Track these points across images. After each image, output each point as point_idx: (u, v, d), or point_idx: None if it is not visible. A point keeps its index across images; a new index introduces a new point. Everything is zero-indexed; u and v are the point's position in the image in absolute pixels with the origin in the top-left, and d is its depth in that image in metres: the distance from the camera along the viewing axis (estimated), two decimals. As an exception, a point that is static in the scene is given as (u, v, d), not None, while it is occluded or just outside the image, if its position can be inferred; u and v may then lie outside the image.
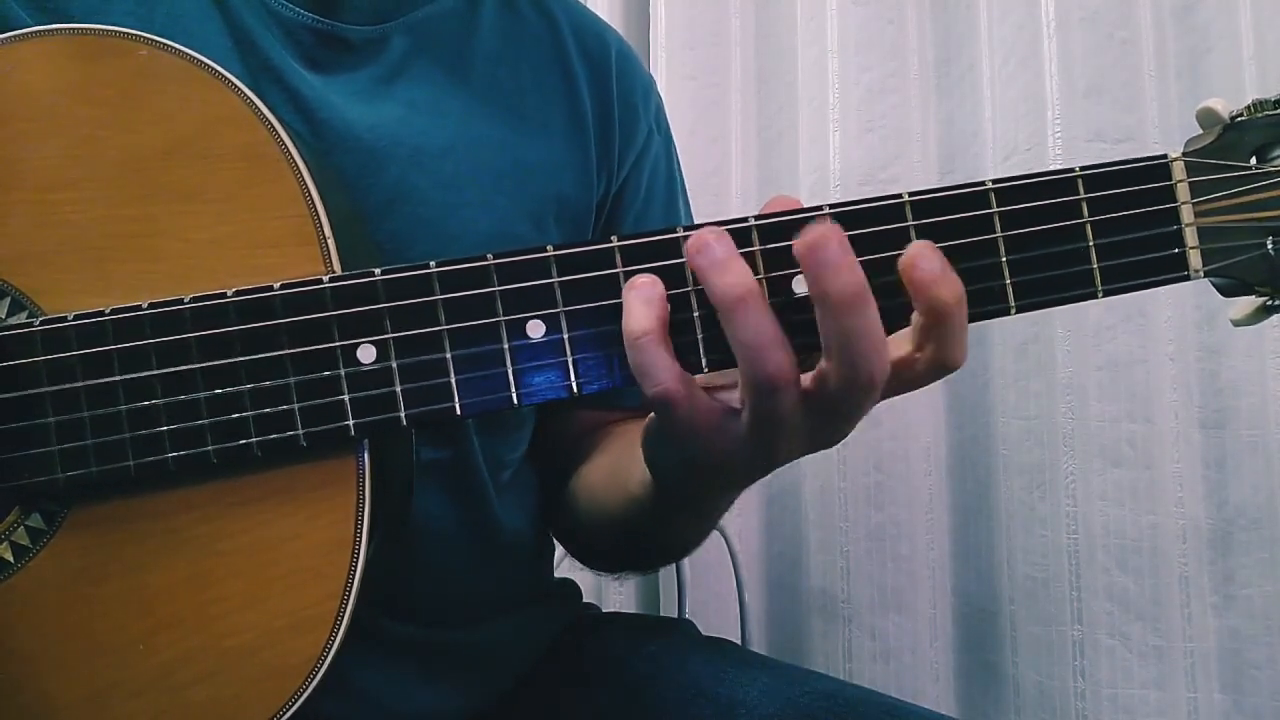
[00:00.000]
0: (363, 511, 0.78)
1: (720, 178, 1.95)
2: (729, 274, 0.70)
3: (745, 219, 0.74)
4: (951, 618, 1.78)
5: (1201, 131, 0.79)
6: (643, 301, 0.72)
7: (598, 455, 1.13)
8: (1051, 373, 1.58)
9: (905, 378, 0.73)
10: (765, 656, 1.20)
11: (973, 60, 1.74)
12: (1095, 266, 0.75)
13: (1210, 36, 1.55)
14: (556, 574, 1.32)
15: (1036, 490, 1.62)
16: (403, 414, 0.76)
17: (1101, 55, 1.58)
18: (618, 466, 1.01)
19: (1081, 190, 0.75)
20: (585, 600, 1.34)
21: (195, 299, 0.77)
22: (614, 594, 1.94)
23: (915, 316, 0.71)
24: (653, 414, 0.81)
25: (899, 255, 0.72)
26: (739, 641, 1.67)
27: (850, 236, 0.72)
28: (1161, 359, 1.55)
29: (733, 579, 1.81)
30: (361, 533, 0.78)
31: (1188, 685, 1.52)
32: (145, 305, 0.77)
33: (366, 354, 0.76)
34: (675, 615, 1.83)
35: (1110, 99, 1.57)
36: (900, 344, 0.73)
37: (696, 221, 0.76)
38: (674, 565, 1.81)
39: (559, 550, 1.49)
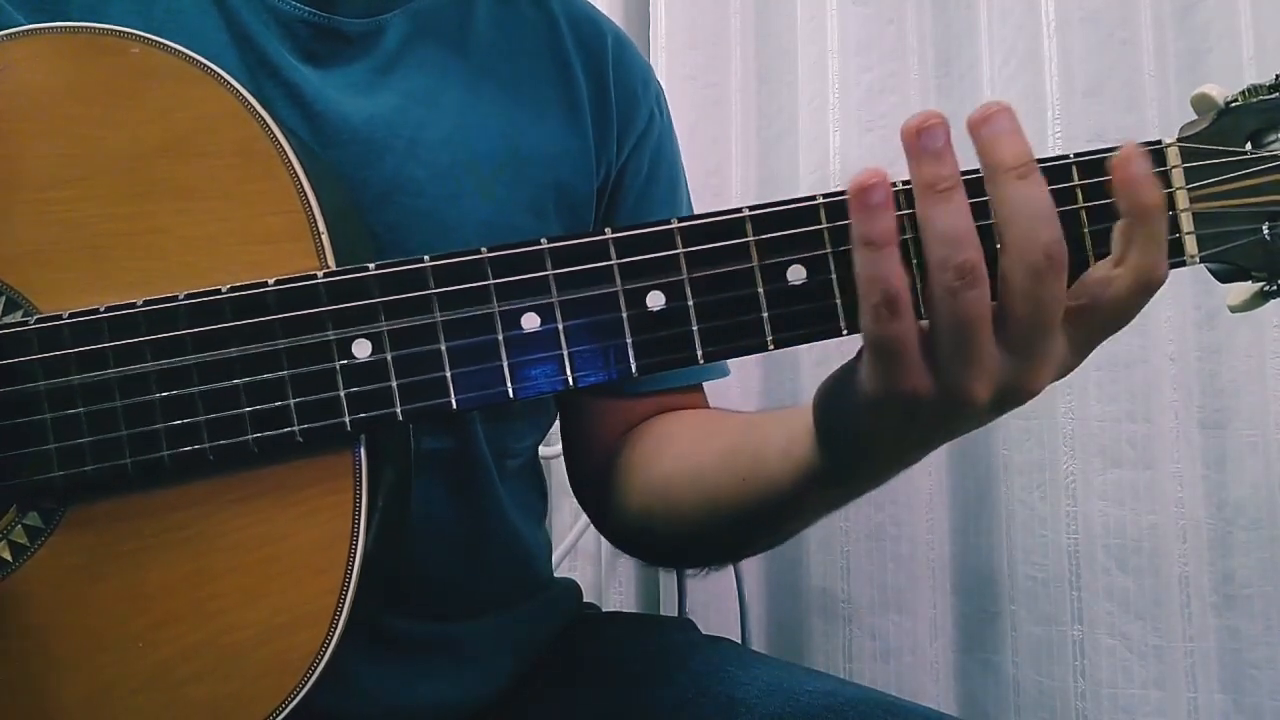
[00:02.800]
0: (359, 506, 0.78)
1: (720, 178, 1.94)
2: (943, 164, 0.71)
3: (739, 210, 0.75)
4: (951, 618, 1.77)
5: (1196, 117, 0.80)
6: (882, 202, 0.71)
7: (678, 442, 1.13)
8: (1052, 372, 1.58)
9: (1110, 300, 0.73)
10: (765, 655, 1.20)
11: (973, 60, 1.74)
12: (1090, 253, 0.75)
13: (1210, 36, 1.55)
14: (556, 573, 1.32)
15: (1036, 490, 1.61)
16: (399, 409, 0.77)
17: (1101, 55, 1.57)
18: (741, 456, 0.99)
19: (1076, 176, 0.75)
20: (585, 600, 1.34)
21: (190, 295, 0.78)
22: (614, 593, 1.94)
23: (1118, 226, 0.73)
24: (837, 373, 0.82)
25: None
26: (739, 641, 1.67)
27: (844, 226, 0.73)
28: (1161, 359, 1.55)
29: (733, 579, 1.81)
30: (359, 528, 0.78)
31: (1188, 685, 1.52)
32: (140, 302, 0.78)
33: (361, 348, 0.76)
34: (675, 615, 1.83)
35: (1110, 99, 1.57)
36: (1099, 267, 0.74)
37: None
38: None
39: (558, 550, 1.49)
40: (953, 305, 0.71)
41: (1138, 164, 0.72)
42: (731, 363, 1.24)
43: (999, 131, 0.72)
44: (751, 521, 1.00)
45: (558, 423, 1.27)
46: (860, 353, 0.76)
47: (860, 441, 0.83)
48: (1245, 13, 1.49)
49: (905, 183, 0.74)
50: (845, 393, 0.80)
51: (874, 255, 0.71)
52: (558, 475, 1.46)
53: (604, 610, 1.43)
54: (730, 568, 1.81)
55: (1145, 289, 0.73)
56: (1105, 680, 1.54)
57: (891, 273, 0.71)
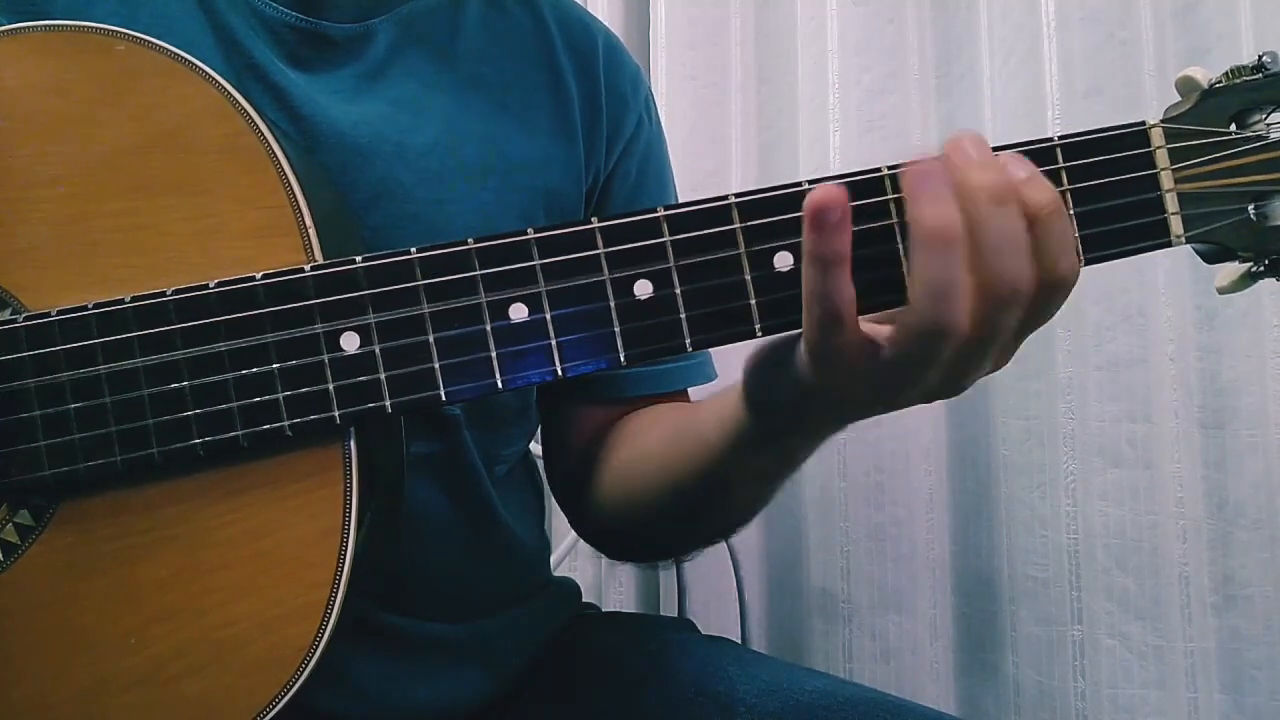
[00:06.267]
0: (350, 500, 0.78)
1: (720, 178, 1.95)
2: (946, 207, 0.70)
3: (724, 197, 0.75)
4: (951, 618, 1.77)
5: (1180, 99, 0.80)
6: (837, 222, 0.71)
7: (643, 433, 1.13)
8: (1051, 373, 1.58)
9: (1023, 307, 0.73)
10: (765, 655, 1.20)
11: (973, 60, 1.74)
12: (1076, 235, 0.75)
13: (1210, 36, 1.54)
14: (556, 573, 1.32)
15: (1036, 490, 1.61)
16: (388, 402, 0.77)
17: (1101, 55, 1.57)
18: (683, 426, 1.01)
19: (1060, 159, 0.75)
20: (585, 600, 1.34)
21: (178, 291, 0.78)
22: (614, 593, 1.94)
23: None
24: (769, 342, 0.81)
25: (883, 226, 0.75)
26: (739, 641, 1.67)
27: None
28: (1161, 359, 1.54)
29: (733, 579, 1.81)
30: (350, 521, 0.78)
31: (1188, 685, 1.51)
32: (128, 299, 0.78)
33: (350, 341, 0.76)
34: (675, 615, 1.83)
35: (1110, 99, 1.57)
36: None
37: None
38: (674, 565, 1.81)
39: (558, 550, 1.48)
40: (922, 350, 0.72)
41: (1014, 168, 0.72)
42: (731, 358, 1.23)
43: (972, 161, 0.71)
44: (696, 494, 1.00)
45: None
46: (797, 337, 0.77)
47: (789, 415, 0.84)
48: (1245, 13, 1.48)
49: (891, 167, 0.74)
50: (779, 371, 0.80)
51: (822, 272, 0.71)
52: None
53: (603, 610, 1.43)
54: (730, 568, 1.81)
55: (1057, 289, 0.74)
56: (1105, 680, 1.54)
57: (838, 291, 0.71)
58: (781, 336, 0.80)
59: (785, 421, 0.85)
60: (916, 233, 0.70)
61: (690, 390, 1.24)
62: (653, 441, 1.08)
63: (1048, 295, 0.73)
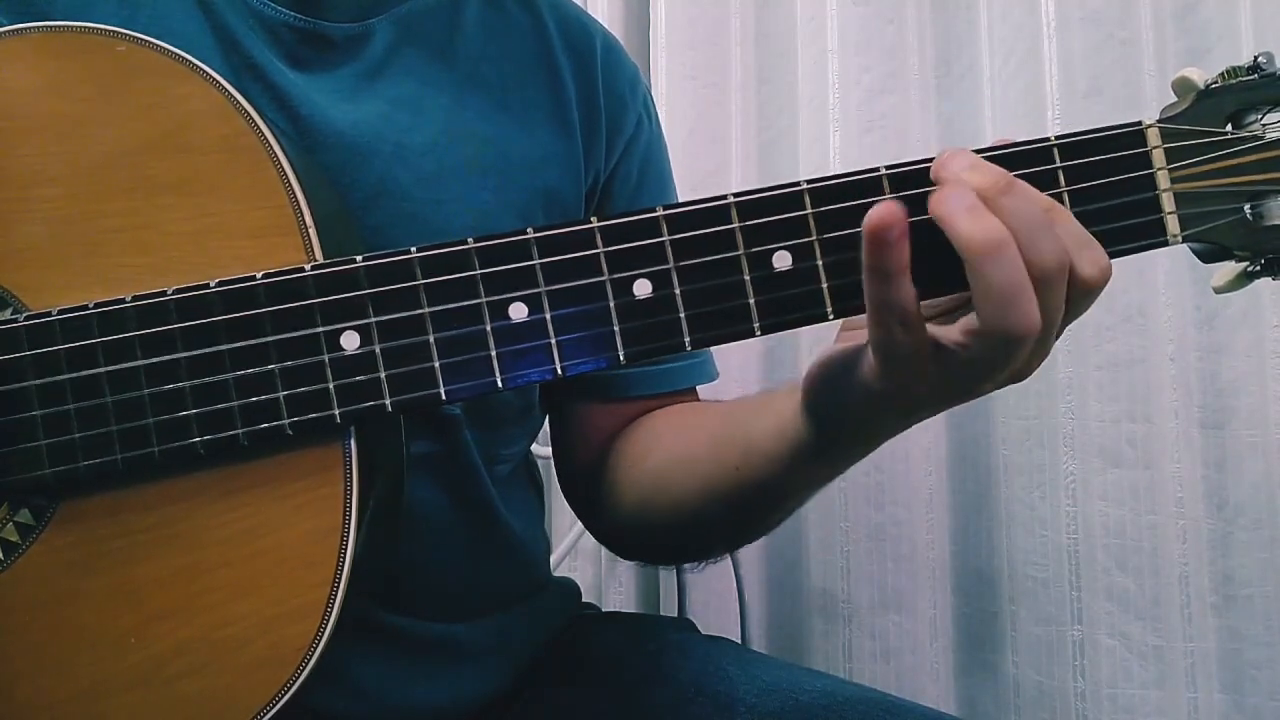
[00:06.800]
0: (350, 498, 0.78)
1: (720, 178, 1.94)
2: (988, 218, 0.70)
3: (724, 197, 0.76)
4: (951, 618, 1.77)
5: (1177, 99, 0.80)
6: (898, 238, 0.71)
7: (680, 437, 1.12)
8: (1051, 373, 1.58)
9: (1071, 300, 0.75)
10: (765, 655, 1.20)
11: (973, 60, 1.74)
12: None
13: (1210, 36, 1.54)
14: (556, 573, 1.32)
15: (1036, 490, 1.61)
16: (388, 400, 0.77)
17: (1101, 55, 1.57)
18: (729, 434, 1.00)
19: (1058, 159, 0.76)
20: (585, 600, 1.34)
21: (178, 291, 0.78)
22: (614, 593, 1.94)
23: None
24: (832, 352, 0.83)
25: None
26: (739, 641, 1.67)
27: (829, 211, 0.75)
28: (1161, 359, 1.54)
29: (733, 579, 1.81)
30: (350, 520, 0.78)
31: (1188, 685, 1.51)
32: (129, 298, 0.78)
33: (350, 340, 0.77)
34: (675, 615, 1.83)
35: (1110, 99, 1.57)
36: None
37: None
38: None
39: (558, 550, 1.48)
40: (1000, 358, 0.72)
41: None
42: (731, 358, 1.23)
43: (962, 167, 0.72)
44: (747, 503, 1.00)
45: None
46: (862, 346, 0.77)
47: (855, 423, 0.84)
48: (1245, 13, 1.48)
49: (890, 167, 0.75)
50: (843, 380, 0.81)
51: (886, 282, 0.71)
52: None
53: (603, 610, 1.43)
54: (730, 568, 1.81)
55: (1095, 282, 0.75)
56: (1105, 680, 1.53)
57: (903, 295, 0.72)
58: (846, 346, 0.81)
59: (850, 428, 0.86)
60: (973, 249, 0.70)
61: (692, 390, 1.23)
62: (693, 447, 1.07)
63: (1079, 297, 0.75)
